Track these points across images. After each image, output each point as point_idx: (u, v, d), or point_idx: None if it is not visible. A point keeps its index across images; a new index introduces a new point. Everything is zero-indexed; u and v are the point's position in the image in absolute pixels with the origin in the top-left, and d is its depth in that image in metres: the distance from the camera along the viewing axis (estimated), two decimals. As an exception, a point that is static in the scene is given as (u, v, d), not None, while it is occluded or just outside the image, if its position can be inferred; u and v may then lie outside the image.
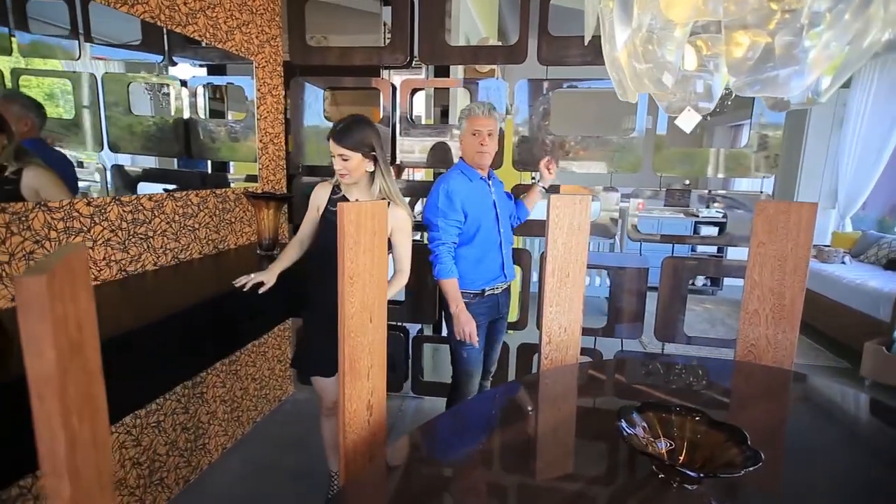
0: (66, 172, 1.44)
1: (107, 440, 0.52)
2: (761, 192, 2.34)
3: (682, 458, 1.03)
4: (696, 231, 5.26)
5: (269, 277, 1.62)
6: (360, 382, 1.20)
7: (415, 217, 1.88)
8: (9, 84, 1.31)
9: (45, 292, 0.39)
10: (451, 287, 1.81)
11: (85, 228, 1.46)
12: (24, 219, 1.28)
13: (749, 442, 0.96)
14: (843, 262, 4.21)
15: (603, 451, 1.14)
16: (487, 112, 1.77)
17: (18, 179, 1.35)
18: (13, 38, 1.31)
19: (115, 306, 1.38)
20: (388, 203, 1.56)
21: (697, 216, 5.26)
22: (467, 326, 1.82)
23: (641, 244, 2.44)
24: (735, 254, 5.08)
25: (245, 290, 1.58)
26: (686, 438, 1.04)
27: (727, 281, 5.29)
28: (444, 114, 3.46)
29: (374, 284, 1.20)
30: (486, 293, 1.91)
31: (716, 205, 2.49)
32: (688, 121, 0.99)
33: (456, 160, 2.07)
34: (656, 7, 0.77)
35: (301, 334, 1.77)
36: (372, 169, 1.61)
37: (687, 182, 6.17)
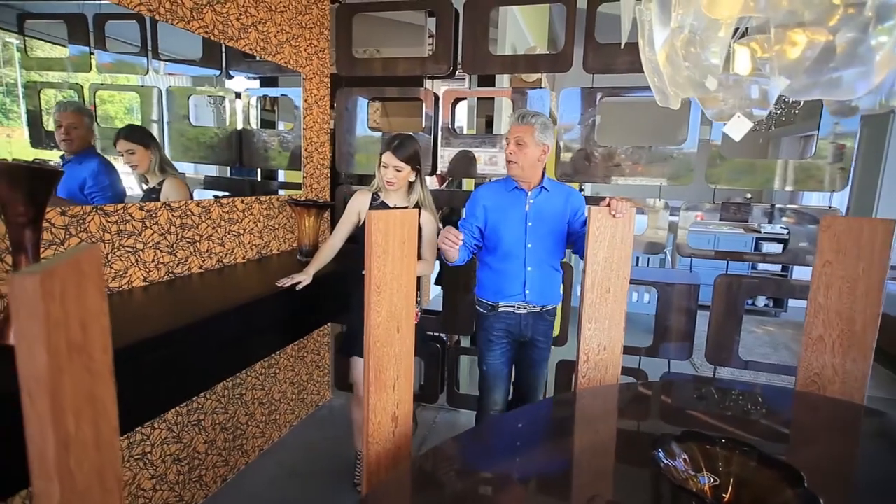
0: (112, 179, 1.51)
1: (113, 442, 0.52)
2: (829, 206, 2.15)
3: (727, 496, 0.93)
4: (757, 248, 4.93)
5: (305, 277, 1.76)
6: (385, 394, 1.18)
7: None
8: (87, 98, 1.42)
9: (37, 291, 0.39)
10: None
11: (136, 231, 1.54)
12: (81, 221, 1.37)
13: (806, 484, 0.86)
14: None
15: (640, 481, 1.06)
16: (517, 119, 1.72)
17: (160, 189, 1.57)
18: (93, 57, 1.42)
19: (163, 306, 1.44)
20: (420, 208, 1.84)
21: (759, 232, 4.93)
22: (446, 233, 1.58)
23: (692, 260, 2.30)
24: (802, 273, 4.72)
25: (285, 287, 1.70)
26: (732, 474, 0.94)
27: (792, 302, 4.91)
28: (489, 124, 3.44)
29: (402, 294, 1.18)
30: (501, 309, 1.82)
31: (784, 219, 2.30)
32: (737, 128, 0.91)
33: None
34: (698, 5, 0.71)
35: (347, 325, 1.97)
36: (413, 179, 1.83)
37: (748, 196, 5.83)
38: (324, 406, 2.77)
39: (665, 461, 0.95)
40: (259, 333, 1.62)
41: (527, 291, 1.80)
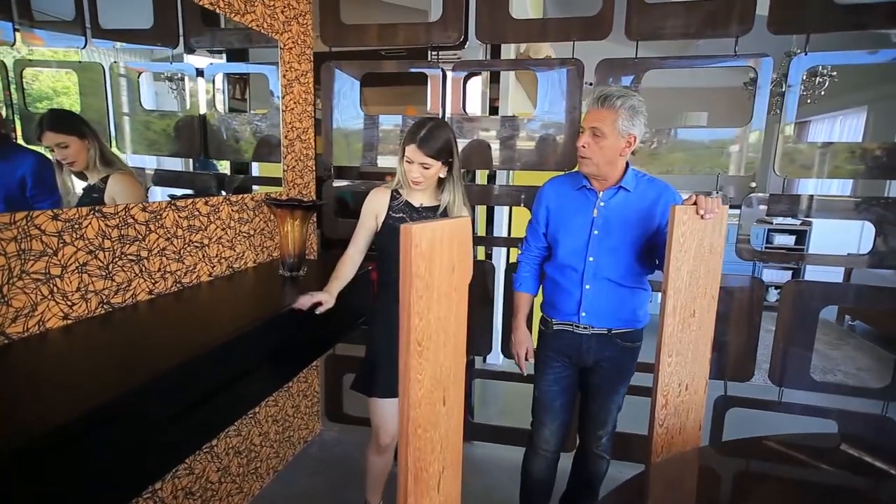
0: (45, 173, 1.10)
1: None
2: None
3: None
4: (769, 240, 4.68)
5: (328, 297, 1.43)
6: (428, 499, 0.77)
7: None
8: (11, 76, 1.03)
9: None
10: (517, 299, 1.60)
11: (50, 250, 1.08)
12: (-47, 241, 0.91)
13: None
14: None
15: None
16: (598, 101, 1.30)
17: (104, 188, 1.23)
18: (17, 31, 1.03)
19: (93, 358, 1.00)
20: (448, 213, 1.50)
21: (771, 223, 4.67)
22: (516, 347, 1.58)
23: (754, 263, 1.95)
24: (813, 273, 4.46)
25: (304, 309, 1.36)
26: None
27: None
28: (494, 111, 3.02)
29: (450, 348, 0.77)
30: (555, 327, 1.49)
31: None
32: None
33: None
34: None
35: (366, 352, 1.58)
36: (444, 175, 1.47)
37: (753, 185, 5.60)
38: (313, 442, 2.35)
39: None
40: (242, 380, 1.18)
41: (582, 313, 1.42)
